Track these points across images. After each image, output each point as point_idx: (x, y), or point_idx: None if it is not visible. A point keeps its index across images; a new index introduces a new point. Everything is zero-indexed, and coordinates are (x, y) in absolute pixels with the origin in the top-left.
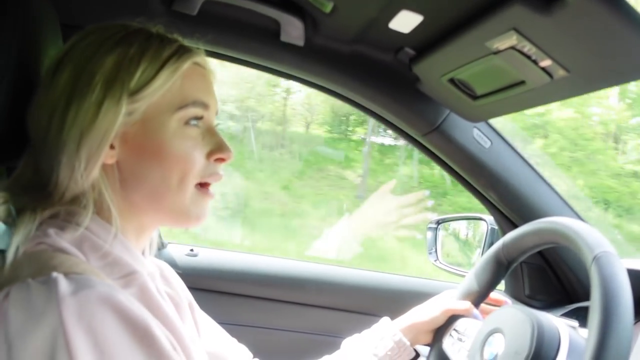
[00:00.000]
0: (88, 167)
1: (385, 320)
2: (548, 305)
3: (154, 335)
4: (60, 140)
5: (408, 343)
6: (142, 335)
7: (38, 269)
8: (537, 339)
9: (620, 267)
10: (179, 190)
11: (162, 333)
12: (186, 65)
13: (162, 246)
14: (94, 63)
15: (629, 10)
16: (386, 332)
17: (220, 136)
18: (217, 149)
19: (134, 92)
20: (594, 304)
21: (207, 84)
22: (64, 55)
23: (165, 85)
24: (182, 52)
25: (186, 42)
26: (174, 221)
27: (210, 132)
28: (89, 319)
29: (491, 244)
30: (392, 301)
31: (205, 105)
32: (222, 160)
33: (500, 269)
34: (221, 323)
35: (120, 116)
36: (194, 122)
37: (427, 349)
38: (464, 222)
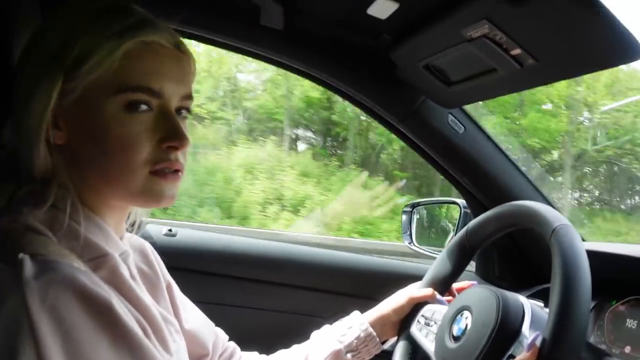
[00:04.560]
0: (34, 147)
1: (355, 313)
2: (516, 286)
3: (118, 316)
4: (15, 119)
5: (375, 334)
6: (106, 317)
7: (7, 248)
8: (503, 311)
9: (577, 236)
10: (128, 175)
11: (130, 315)
12: (131, 44)
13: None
14: (40, 41)
15: (596, 1)
16: (354, 322)
17: (176, 122)
18: (168, 136)
19: (70, 70)
20: (555, 270)
21: (160, 66)
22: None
23: (102, 64)
24: (130, 29)
25: (161, 22)
26: (134, 202)
27: (164, 118)
28: (52, 301)
29: (464, 227)
30: (370, 283)
31: (151, 91)
32: (174, 148)
33: (465, 256)
34: (199, 302)
35: (54, 95)
36: (143, 107)
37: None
38: (439, 205)
